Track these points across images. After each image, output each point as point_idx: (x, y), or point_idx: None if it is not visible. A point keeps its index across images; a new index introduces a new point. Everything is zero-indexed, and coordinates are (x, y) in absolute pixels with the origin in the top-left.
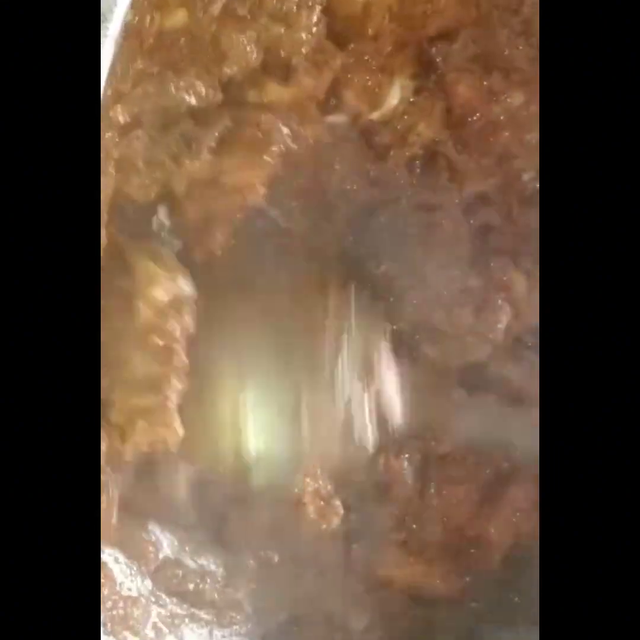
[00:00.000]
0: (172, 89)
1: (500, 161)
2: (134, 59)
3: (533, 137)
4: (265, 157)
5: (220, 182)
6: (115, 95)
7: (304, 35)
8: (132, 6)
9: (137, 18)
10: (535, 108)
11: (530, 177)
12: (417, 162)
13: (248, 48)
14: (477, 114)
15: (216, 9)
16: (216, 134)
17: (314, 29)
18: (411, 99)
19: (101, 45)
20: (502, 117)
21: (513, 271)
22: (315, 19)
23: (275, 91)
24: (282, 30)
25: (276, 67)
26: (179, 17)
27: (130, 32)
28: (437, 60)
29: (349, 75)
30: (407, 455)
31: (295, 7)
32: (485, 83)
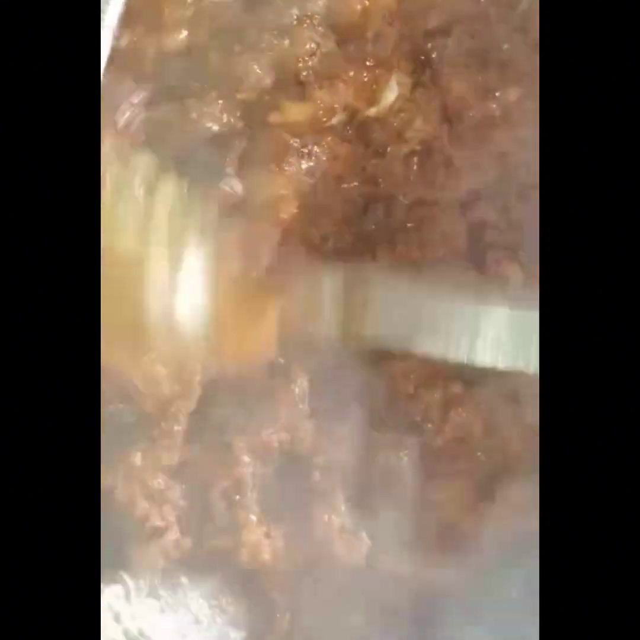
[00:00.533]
0: (194, 115)
1: (496, 157)
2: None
3: (529, 132)
4: (287, 168)
5: (250, 202)
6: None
7: (308, 47)
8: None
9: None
10: (530, 103)
11: (526, 172)
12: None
13: (257, 68)
14: (473, 110)
15: (213, 30)
16: (236, 155)
17: (318, 40)
18: (408, 95)
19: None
20: (497, 113)
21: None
22: (316, 28)
23: (292, 110)
24: (286, 43)
25: (288, 83)
26: (178, 40)
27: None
28: (433, 55)
29: (349, 73)
30: None
31: (295, 20)
32: (480, 78)
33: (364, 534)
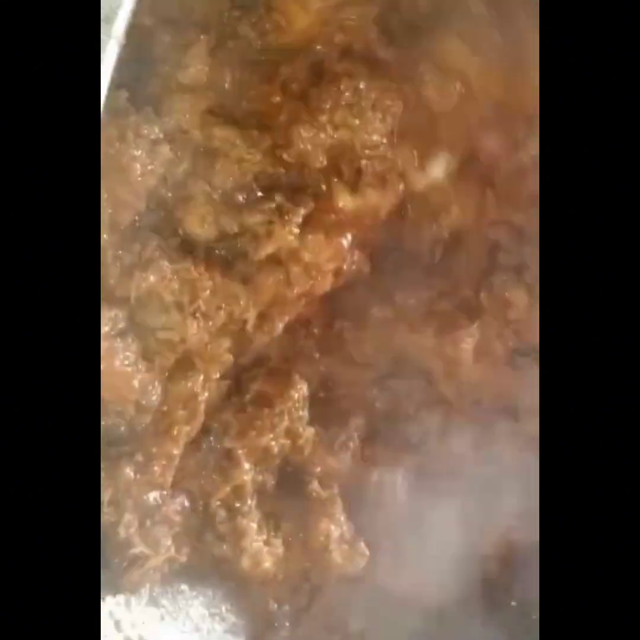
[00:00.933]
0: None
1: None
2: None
3: None
4: (343, 241)
5: (303, 255)
6: None
7: (375, 138)
8: None
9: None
10: None
11: None
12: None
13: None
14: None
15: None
16: (303, 210)
17: (385, 135)
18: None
19: (105, 45)
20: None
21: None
22: (389, 121)
23: (343, 198)
24: (356, 122)
25: (346, 166)
26: None
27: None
28: None
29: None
30: None
31: (371, 107)
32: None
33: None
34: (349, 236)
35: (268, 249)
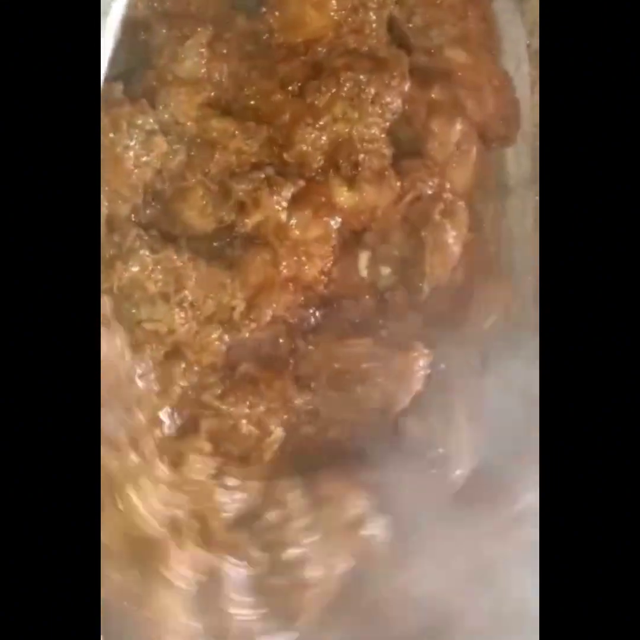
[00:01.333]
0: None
1: None
2: None
3: None
4: (331, 222)
5: (291, 232)
6: None
7: (374, 131)
8: None
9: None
10: None
11: None
12: None
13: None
14: None
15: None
16: (292, 188)
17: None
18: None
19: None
20: None
21: None
22: (388, 116)
23: (339, 192)
24: (356, 115)
25: (343, 160)
26: None
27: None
28: None
29: None
30: None
31: (371, 97)
32: None
33: None
34: (338, 219)
35: (256, 217)
